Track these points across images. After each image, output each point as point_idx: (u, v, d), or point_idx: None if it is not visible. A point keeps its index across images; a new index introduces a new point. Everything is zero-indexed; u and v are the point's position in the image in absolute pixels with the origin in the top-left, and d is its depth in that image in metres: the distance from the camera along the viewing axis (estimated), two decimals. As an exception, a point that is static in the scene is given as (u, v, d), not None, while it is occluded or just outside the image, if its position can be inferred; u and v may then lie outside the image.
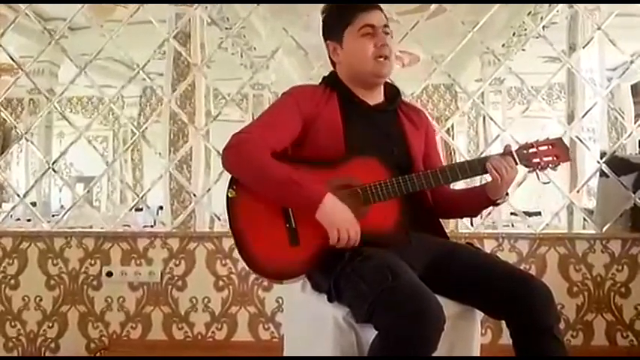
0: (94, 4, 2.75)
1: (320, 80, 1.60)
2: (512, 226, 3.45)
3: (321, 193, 1.34)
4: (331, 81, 1.56)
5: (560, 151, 1.48)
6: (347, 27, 1.51)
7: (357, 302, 1.27)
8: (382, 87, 1.58)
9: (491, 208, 1.60)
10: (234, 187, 1.41)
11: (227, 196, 1.41)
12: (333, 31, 1.55)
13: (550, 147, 1.49)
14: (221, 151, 1.42)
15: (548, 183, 1.64)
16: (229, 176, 1.43)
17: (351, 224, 1.34)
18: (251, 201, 1.39)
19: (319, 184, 1.37)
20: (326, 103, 1.49)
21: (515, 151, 1.47)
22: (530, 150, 1.48)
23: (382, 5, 1.56)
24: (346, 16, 1.51)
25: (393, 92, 1.59)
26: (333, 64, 1.59)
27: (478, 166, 1.45)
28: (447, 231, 1.59)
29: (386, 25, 1.52)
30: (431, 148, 1.62)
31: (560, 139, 1.51)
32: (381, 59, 1.48)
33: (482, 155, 2.89)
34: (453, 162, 1.57)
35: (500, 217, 3.82)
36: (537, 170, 1.49)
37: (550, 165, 1.48)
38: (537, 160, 1.48)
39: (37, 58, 2.84)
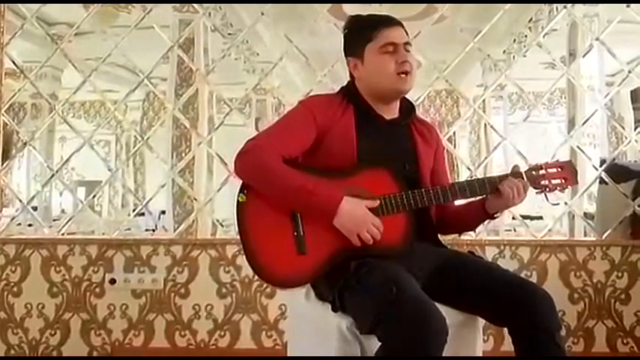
0: (97, 9, 2.76)
1: (337, 89, 1.61)
2: (515, 230, 3.45)
3: (335, 201, 1.35)
4: (349, 93, 1.56)
5: (568, 174, 1.50)
6: (368, 43, 1.51)
7: (361, 314, 1.29)
8: (398, 101, 1.58)
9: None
10: (245, 191, 1.42)
11: (237, 200, 1.42)
12: (354, 47, 1.55)
13: (559, 169, 1.51)
14: (233, 158, 1.43)
15: (557, 204, 1.66)
16: (240, 181, 1.44)
17: (371, 223, 1.36)
18: (261, 206, 1.40)
19: (333, 190, 1.38)
20: (342, 115, 1.50)
21: (525, 172, 1.49)
22: (540, 172, 1.50)
23: (385, 9, 1.57)
24: (367, 33, 1.51)
25: (407, 107, 1.60)
26: (353, 78, 1.59)
27: (487, 186, 1.47)
28: (449, 238, 1.60)
29: (407, 42, 1.52)
30: (439, 165, 1.64)
31: (570, 161, 1.54)
32: (403, 75, 1.48)
33: (485, 162, 2.95)
34: (456, 169, 1.59)
35: (502, 221, 3.84)
36: (545, 192, 1.51)
37: (558, 188, 1.50)
38: (546, 182, 1.50)
39: (43, 64, 2.84)
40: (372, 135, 1.49)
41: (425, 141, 1.59)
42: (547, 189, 1.50)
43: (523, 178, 1.47)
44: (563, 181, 1.50)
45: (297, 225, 1.38)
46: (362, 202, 1.38)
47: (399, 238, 1.41)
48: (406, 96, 1.62)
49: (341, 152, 1.45)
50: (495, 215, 1.52)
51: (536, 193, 1.52)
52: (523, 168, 1.50)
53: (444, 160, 1.68)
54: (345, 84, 1.61)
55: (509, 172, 1.50)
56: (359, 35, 1.54)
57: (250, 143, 1.43)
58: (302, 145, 1.46)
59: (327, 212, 1.35)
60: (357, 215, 1.36)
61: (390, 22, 1.53)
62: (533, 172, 1.50)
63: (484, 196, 1.49)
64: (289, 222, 1.39)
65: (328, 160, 1.45)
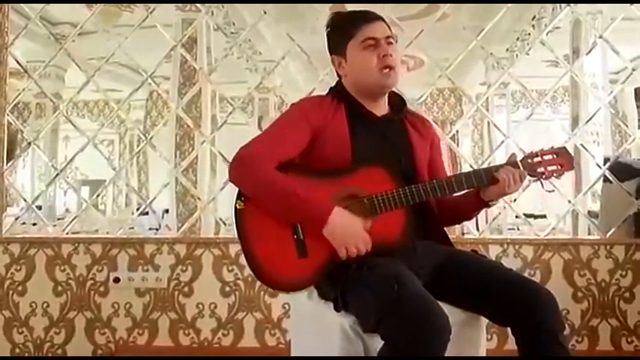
0: (100, 8, 2.77)
1: (327, 90, 1.61)
2: (518, 229, 3.44)
3: (327, 210, 1.34)
4: (338, 92, 1.57)
5: (564, 160, 1.49)
6: (349, 41, 1.52)
7: (363, 312, 1.29)
8: (387, 97, 1.58)
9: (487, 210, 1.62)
10: (242, 198, 1.42)
11: (235, 207, 1.42)
12: (336, 46, 1.56)
13: (554, 156, 1.50)
14: (228, 164, 1.43)
15: (552, 191, 1.66)
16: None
17: (360, 238, 1.35)
18: (259, 212, 1.40)
19: (326, 197, 1.38)
20: (334, 114, 1.50)
21: (520, 160, 1.48)
22: (535, 159, 1.49)
23: (387, 7, 1.57)
24: (348, 31, 1.52)
25: (398, 102, 1.60)
26: (340, 77, 1.60)
27: (484, 176, 1.46)
28: (452, 237, 1.60)
29: (389, 36, 1.51)
30: (436, 156, 1.64)
31: (564, 148, 1.52)
32: (386, 70, 1.49)
33: (488, 160, 2.95)
34: (459, 167, 1.59)
35: (505, 219, 3.83)
36: (541, 179, 1.50)
37: (554, 174, 1.49)
38: (542, 169, 1.49)
39: (47, 64, 2.85)
40: (366, 132, 1.49)
41: (419, 134, 1.59)
42: (543, 176, 1.49)
43: (519, 167, 1.46)
44: (559, 167, 1.49)
45: (297, 229, 1.38)
46: (356, 218, 1.37)
47: (399, 235, 1.41)
48: (400, 92, 1.63)
49: (336, 151, 1.45)
50: (491, 203, 1.52)
51: (533, 181, 1.52)
52: (519, 157, 1.50)
53: (440, 151, 1.67)
54: (333, 84, 1.61)
55: (505, 162, 1.50)
56: (340, 33, 1.54)
57: (243, 150, 1.42)
58: (298, 146, 1.46)
59: (317, 221, 1.34)
60: (348, 228, 1.35)
61: (369, 17, 1.52)
62: (529, 160, 1.49)
63: (482, 186, 1.48)
64: (289, 226, 1.38)
65: (324, 160, 1.45)
